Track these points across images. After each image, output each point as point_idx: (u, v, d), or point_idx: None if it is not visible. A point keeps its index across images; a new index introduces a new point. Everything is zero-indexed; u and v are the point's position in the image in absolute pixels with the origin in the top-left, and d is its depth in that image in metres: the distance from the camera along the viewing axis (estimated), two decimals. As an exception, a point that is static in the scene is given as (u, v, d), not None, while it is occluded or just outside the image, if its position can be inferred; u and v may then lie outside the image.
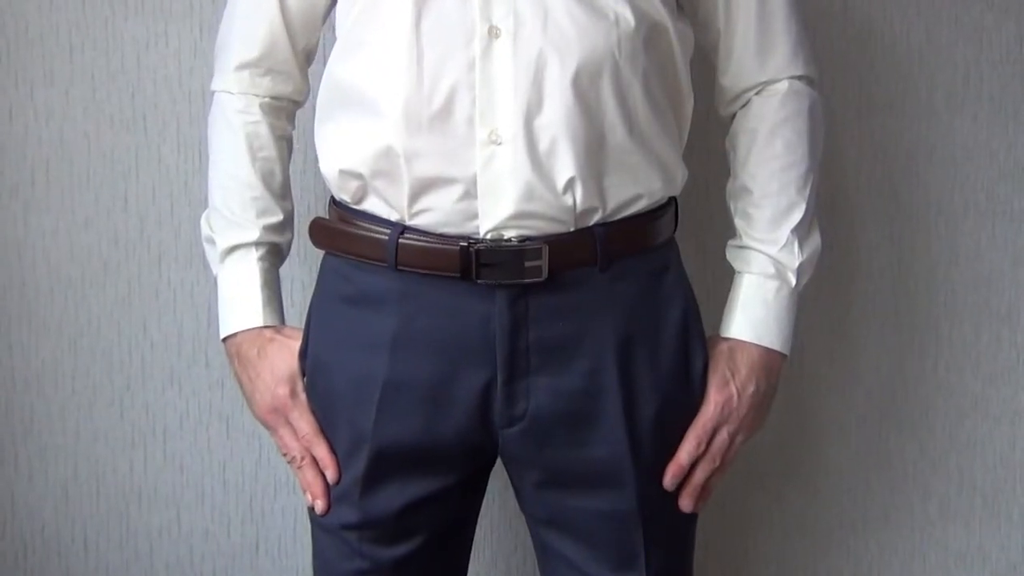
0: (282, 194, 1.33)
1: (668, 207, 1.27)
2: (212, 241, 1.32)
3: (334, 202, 1.26)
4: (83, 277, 1.65)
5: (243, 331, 1.29)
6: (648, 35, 1.18)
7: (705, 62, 1.35)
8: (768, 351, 1.27)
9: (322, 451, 1.25)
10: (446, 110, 1.14)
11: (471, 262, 1.15)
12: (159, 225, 1.64)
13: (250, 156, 1.30)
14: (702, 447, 1.24)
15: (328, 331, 1.25)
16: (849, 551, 1.85)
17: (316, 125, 1.26)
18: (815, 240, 1.31)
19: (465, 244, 1.15)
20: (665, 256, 1.26)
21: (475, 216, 1.15)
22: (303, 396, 1.27)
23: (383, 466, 1.22)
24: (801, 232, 1.28)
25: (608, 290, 1.20)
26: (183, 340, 1.67)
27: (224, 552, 1.72)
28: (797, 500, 1.82)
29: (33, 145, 1.62)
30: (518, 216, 1.15)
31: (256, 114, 1.31)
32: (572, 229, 1.17)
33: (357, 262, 1.21)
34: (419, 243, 1.17)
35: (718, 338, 1.29)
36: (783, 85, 1.29)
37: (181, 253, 1.65)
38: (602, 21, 1.15)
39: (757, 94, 1.30)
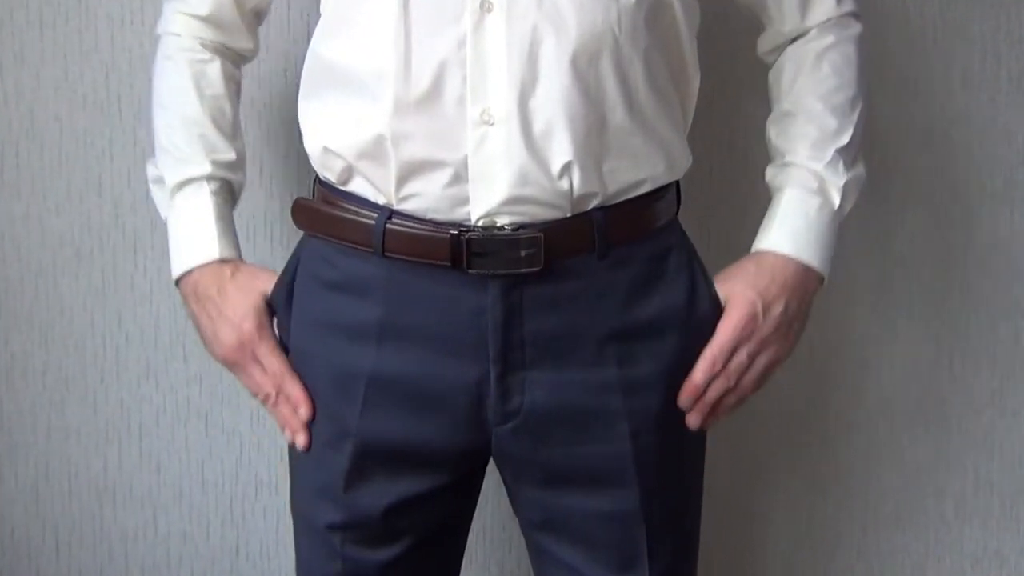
0: (233, 134, 1.32)
1: (669, 188, 1.25)
2: (161, 181, 1.30)
3: (319, 181, 1.25)
4: (55, 265, 1.64)
5: (199, 267, 1.27)
6: (651, 10, 1.16)
7: (710, 40, 1.34)
8: (806, 268, 1.24)
9: (295, 389, 1.24)
10: (435, 89, 1.12)
11: (462, 251, 1.14)
12: (135, 211, 1.64)
13: (197, 94, 1.30)
14: (718, 367, 1.21)
15: (309, 318, 1.24)
16: (859, 553, 1.85)
17: (300, 100, 1.24)
18: (860, 169, 1.29)
19: (456, 232, 1.14)
20: (667, 239, 1.24)
21: (466, 201, 1.14)
22: (270, 331, 1.26)
23: (368, 462, 1.21)
24: (847, 155, 1.27)
25: (607, 278, 1.18)
26: (160, 332, 1.67)
27: (203, 555, 1.72)
28: (805, 499, 1.82)
29: (2, 127, 1.61)
30: (511, 201, 1.13)
31: (204, 54, 1.32)
32: (569, 215, 1.15)
33: (342, 247, 1.20)
34: (407, 230, 1.15)
35: (747, 257, 1.27)
36: (831, 20, 1.30)
37: (158, 241, 1.64)
38: None
39: (803, 35, 1.32)
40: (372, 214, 1.17)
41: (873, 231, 1.76)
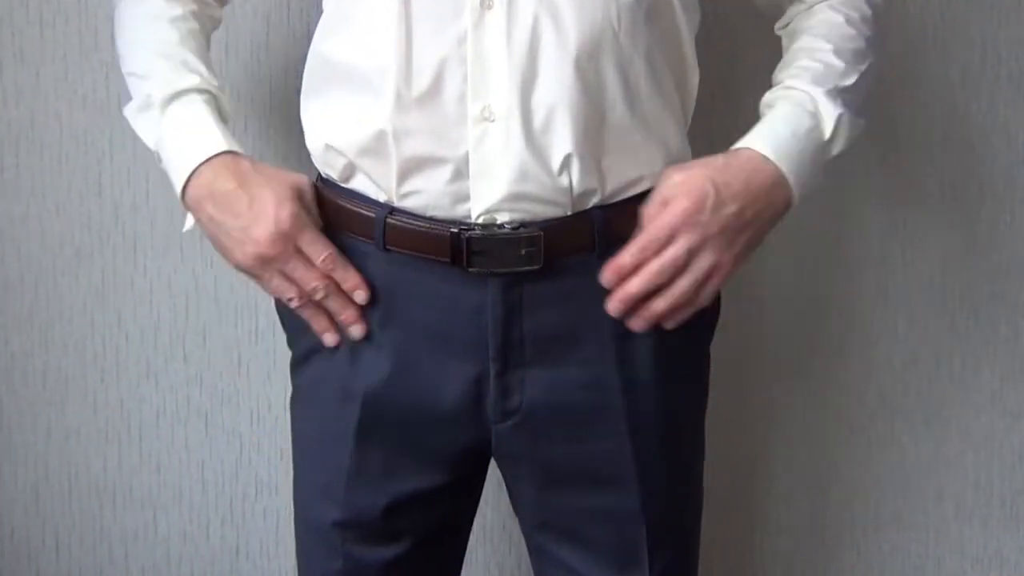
0: (214, 72, 1.25)
1: None
2: (148, 103, 1.20)
3: (320, 179, 1.24)
4: (54, 266, 1.63)
5: (208, 161, 1.16)
6: (650, 7, 1.16)
7: (710, 40, 1.34)
8: (778, 179, 1.15)
9: (350, 272, 1.16)
10: (436, 86, 1.12)
11: (462, 249, 1.13)
12: (135, 211, 1.63)
13: (175, 28, 1.23)
14: (648, 252, 1.12)
15: None
16: (860, 554, 1.84)
17: (302, 99, 1.24)
18: (860, 120, 1.22)
19: (456, 231, 1.13)
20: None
21: (467, 198, 1.13)
22: (312, 216, 1.16)
23: (369, 458, 1.21)
24: (847, 96, 1.20)
25: None
26: (160, 332, 1.66)
27: (203, 556, 1.71)
28: (805, 500, 1.82)
29: (2, 127, 1.60)
30: (512, 198, 1.13)
31: (175, 6, 1.26)
32: (569, 213, 1.15)
33: (342, 240, 1.19)
34: (408, 226, 1.15)
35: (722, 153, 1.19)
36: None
37: (158, 241, 1.64)
38: None
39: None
40: (373, 210, 1.16)
41: (873, 231, 1.76)
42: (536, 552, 1.29)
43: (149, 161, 1.60)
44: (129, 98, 1.22)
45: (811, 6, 1.28)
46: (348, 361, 1.20)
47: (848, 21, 1.24)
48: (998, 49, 1.74)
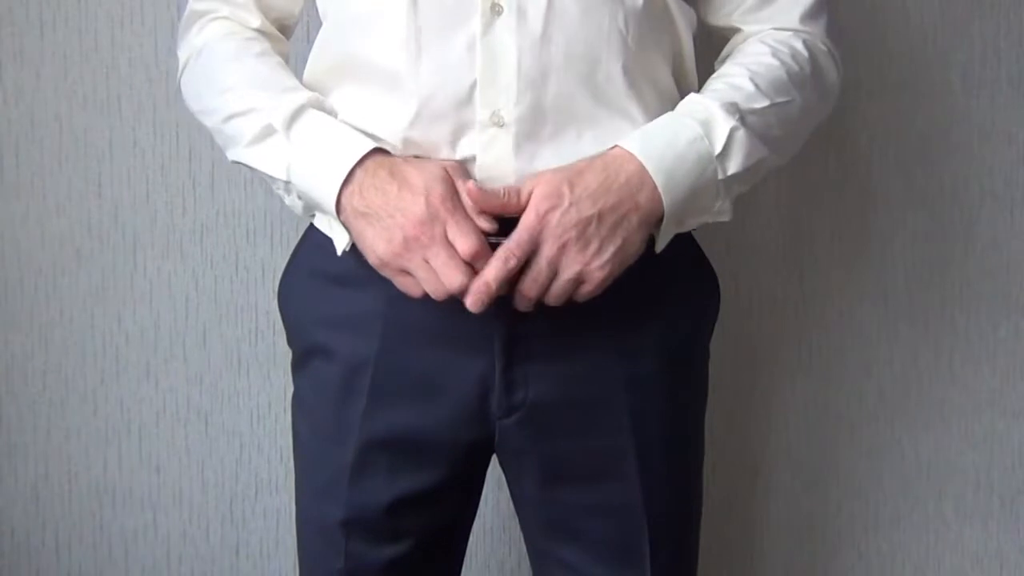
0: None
1: None
2: (266, 132, 1.14)
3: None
4: (54, 266, 1.64)
5: (359, 162, 1.09)
6: (654, 12, 1.16)
7: (710, 40, 1.32)
8: (644, 176, 1.09)
9: (491, 267, 1.06)
10: (445, 91, 1.11)
11: None
12: (134, 211, 1.63)
13: (268, 68, 1.20)
14: (510, 263, 1.05)
15: (313, 311, 1.23)
16: (860, 553, 1.84)
17: None
18: (764, 149, 1.14)
19: None
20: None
21: None
22: (463, 201, 1.08)
23: (372, 457, 1.20)
24: (751, 118, 1.13)
25: None
26: (159, 333, 1.66)
27: (203, 555, 1.71)
28: (805, 500, 1.82)
29: (2, 127, 1.61)
30: None
31: (247, 32, 1.25)
32: None
33: None
34: None
35: None
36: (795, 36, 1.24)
37: (158, 241, 1.64)
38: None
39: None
40: None
41: (873, 231, 1.76)
42: (536, 552, 1.29)
43: (149, 162, 1.61)
44: (234, 143, 1.17)
45: (745, 39, 1.25)
46: (350, 359, 1.19)
47: (774, 53, 1.19)
48: (998, 49, 1.74)
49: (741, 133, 1.11)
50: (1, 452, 1.66)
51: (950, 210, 1.77)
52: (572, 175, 1.08)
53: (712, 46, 1.32)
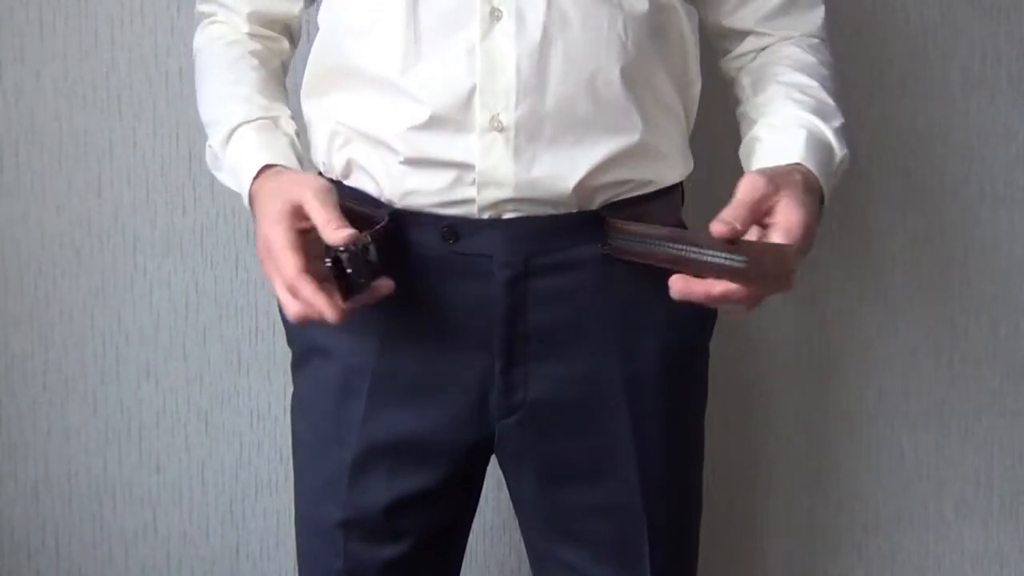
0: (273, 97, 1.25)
1: (674, 188, 1.25)
2: (213, 149, 1.21)
3: (320, 176, 1.23)
4: (54, 266, 1.64)
5: (256, 175, 1.15)
6: (657, 18, 1.17)
7: (706, 46, 1.33)
8: (821, 200, 1.13)
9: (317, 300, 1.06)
10: (444, 96, 1.11)
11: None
12: (134, 211, 1.63)
13: (233, 69, 1.25)
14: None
15: None
16: (860, 553, 1.84)
17: (303, 100, 1.24)
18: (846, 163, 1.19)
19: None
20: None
21: (472, 202, 1.14)
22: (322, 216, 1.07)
23: (372, 458, 1.20)
24: (844, 138, 1.17)
25: (610, 273, 1.18)
26: (159, 333, 1.66)
27: (203, 556, 1.71)
28: (806, 500, 1.82)
29: (2, 127, 1.61)
30: (517, 201, 1.13)
31: (235, 36, 1.27)
32: (575, 211, 1.15)
33: None
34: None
35: (786, 166, 1.13)
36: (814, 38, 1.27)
37: (158, 241, 1.64)
38: (607, 4, 1.13)
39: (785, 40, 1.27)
40: (375, 208, 1.16)
41: (873, 231, 1.76)
42: (536, 552, 1.29)
43: (149, 162, 1.62)
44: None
45: (776, 41, 1.26)
46: (350, 359, 1.20)
47: (823, 63, 1.23)
48: (998, 49, 1.74)
49: (847, 157, 1.18)
50: (1, 452, 1.66)
51: (950, 210, 1.77)
52: (811, 218, 1.05)
53: (712, 46, 1.33)
